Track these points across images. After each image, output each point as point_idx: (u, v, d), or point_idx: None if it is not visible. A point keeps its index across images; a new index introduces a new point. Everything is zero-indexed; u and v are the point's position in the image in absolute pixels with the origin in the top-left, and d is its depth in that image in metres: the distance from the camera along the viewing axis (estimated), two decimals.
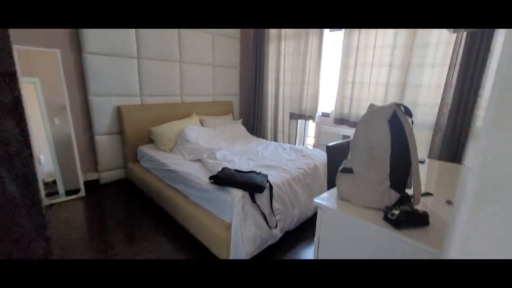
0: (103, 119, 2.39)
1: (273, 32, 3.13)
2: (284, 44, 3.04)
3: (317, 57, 2.75)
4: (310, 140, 3.34)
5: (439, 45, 1.96)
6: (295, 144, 3.20)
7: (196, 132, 2.53)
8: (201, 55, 2.97)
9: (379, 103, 2.36)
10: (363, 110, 2.45)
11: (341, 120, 2.65)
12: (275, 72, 3.21)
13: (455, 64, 1.87)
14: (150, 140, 2.60)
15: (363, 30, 2.35)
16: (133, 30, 2.41)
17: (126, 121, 2.45)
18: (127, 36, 2.38)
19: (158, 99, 2.72)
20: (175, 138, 2.49)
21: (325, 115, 2.95)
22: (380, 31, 2.25)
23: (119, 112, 2.45)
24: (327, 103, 2.99)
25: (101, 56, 2.27)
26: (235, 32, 3.25)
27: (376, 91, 2.36)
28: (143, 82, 2.58)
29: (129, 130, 2.49)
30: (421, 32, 2.04)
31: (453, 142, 1.92)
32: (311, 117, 2.93)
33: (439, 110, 2.00)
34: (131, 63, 2.46)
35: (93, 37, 2.20)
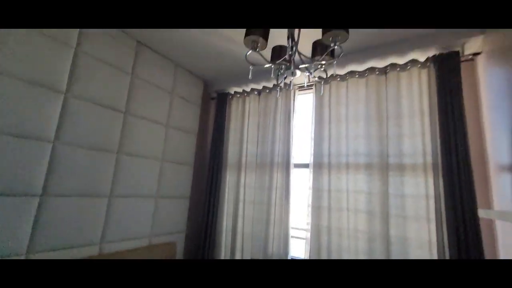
0: None
1: (231, 161, 2.86)
2: (244, 176, 2.75)
3: (285, 192, 2.47)
4: None
5: (418, 198, 1.91)
6: None
7: None
8: (141, 187, 2.33)
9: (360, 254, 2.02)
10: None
11: None
12: (233, 203, 2.75)
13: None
14: None
15: (333, 172, 2.26)
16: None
17: None
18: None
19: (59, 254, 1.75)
20: None
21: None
22: (351, 175, 2.18)
23: None
24: (298, 248, 2.53)
25: None
26: (189, 163, 2.85)
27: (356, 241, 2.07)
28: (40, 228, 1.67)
29: None
30: (393, 180, 2.01)
31: None
32: None
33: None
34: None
35: None
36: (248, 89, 2.92)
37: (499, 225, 1.63)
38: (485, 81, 1.78)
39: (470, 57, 1.94)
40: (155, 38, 2.27)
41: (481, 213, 1.04)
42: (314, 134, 2.42)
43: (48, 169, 1.70)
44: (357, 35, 2.02)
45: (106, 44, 2.07)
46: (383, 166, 2.06)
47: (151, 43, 2.35)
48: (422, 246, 1.84)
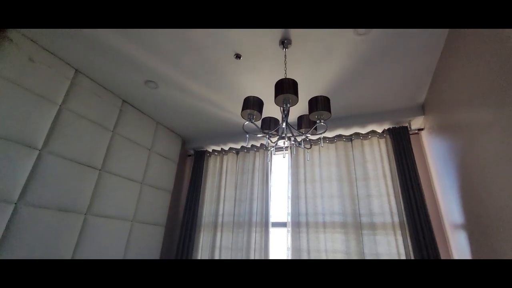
0: None
1: (206, 220, 2.76)
2: (220, 236, 2.64)
3: (264, 253, 2.40)
4: None
5: (391, 257, 2.02)
6: None
7: None
8: (107, 249, 2.09)
9: None
10: None
11: None
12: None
13: None
14: None
15: (311, 231, 2.32)
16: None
17: None
18: None
19: None
20: None
21: None
22: (329, 234, 2.26)
23: None
24: None
25: None
26: (161, 223, 2.68)
27: None
28: None
29: None
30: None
31: None
32: None
33: None
34: None
35: None
36: (226, 147, 3.04)
37: None
38: (430, 150, 2.16)
39: (416, 131, 2.38)
40: (139, 97, 2.36)
41: None
42: (291, 193, 2.54)
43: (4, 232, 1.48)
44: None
45: (92, 102, 2.09)
46: (357, 225, 2.19)
47: (135, 101, 2.43)
48: None
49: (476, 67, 1.26)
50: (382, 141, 2.42)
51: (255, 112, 1.37)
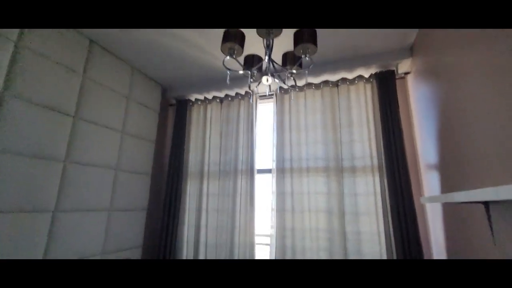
0: None
1: (193, 169, 2.79)
2: (207, 184, 2.70)
3: (250, 198, 2.51)
4: None
5: (368, 195, 2.16)
6: None
7: None
8: (91, 200, 2.10)
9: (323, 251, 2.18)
10: None
11: None
12: (195, 212, 2.66)
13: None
14: None
15: (295, 176, 2.40)
16: None
17: None
18: None
19: None
20: None
21: None
22: (312, 177, 2.35)
23: None
24: (263, 255, 2.57)
25: None
26: (146, 172, 2.66)
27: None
28: None
29: None
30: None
31: None
32: None
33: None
34: None
35: None
36: (210, 96, 2.92)
37: (429, 208, 1.97)
38: (414, 95, 2.16)
39: (403, 75, 2.34)
40: (109, 38, 2.12)
41: (422, 199, 1.26)
42: (276, 140, 2.55)
43: None
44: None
45: (53, 40, 1.86)
46: (339, 169, 2.28)
47: (105, 43, 2.19)
48: (373, 238, 2.08)
49: None
50: (368, 86, 2.38)
51: (236, 46, 1.26)
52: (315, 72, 2.44)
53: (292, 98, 2.56)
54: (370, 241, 2.09)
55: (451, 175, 1.50)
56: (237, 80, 2.70)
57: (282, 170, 2.46)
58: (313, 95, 2.54)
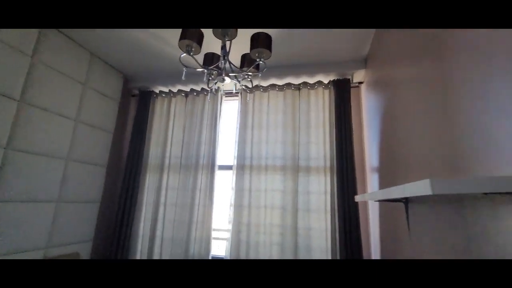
0: None
1: (153, 162, 2.74)
2: (166, 178, 2.68)
3: (209, 193, 2.54)
4: None
5: (319, 194, 2.32)
6: None
7: None
8: (37, 190, 1.97)
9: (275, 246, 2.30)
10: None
11: None
12: (153, 206, 2.63)
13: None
14: None
15: (254, 173, 2.49)
16: None
17: None
18: None
19: None
20: None
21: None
22: (270, 175, 2.46)
23: None
24: (219, 249, 2.62)
25: None
26: (102, 163, 2.56)
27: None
28: None
29: None
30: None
31: None
32: None
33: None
34: None
35: None
36: (175, 89, 2.89)
37: (370, 206, 2.18)
38: (365, 102, 2.36)
39: (357, 84, 2.53)
40: None
41: (357, 198, 1.41)
42: (239, 138, 2.61)
43: None
44: (281, 54, 2.34)
45: None
46: (295, 168, 2.41)
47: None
48: (321, 234, 2.25)
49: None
50: (327, 91, 2.55)
51: (194, 44, 1.29)
52: (279, 74, 2.54)
53: (248, 99, 2.64)
54: (319, 237, 2.25)
55: (386, 175, 1.69)
56: (202, 76, 2.70)
57: (242, 167, 2.53)
58: (276, 96, 2.64)
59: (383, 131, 1.77)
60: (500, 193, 0.57)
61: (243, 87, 2.65)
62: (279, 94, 2.64)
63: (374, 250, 2.09)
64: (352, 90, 2.51)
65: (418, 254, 1.22)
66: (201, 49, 1.50)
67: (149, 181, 2.71)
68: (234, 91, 2.20)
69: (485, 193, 0.56)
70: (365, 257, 2.15)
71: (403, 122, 1.38)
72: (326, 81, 2.55)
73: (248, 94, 2.67)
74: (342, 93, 2.43)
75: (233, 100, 2.89)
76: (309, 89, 2.57)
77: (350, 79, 2.48)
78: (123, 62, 2.61)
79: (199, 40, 1.29)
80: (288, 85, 2.60)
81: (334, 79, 2.50)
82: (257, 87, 2.67)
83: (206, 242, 2.43)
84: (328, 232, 2.23)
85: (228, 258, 2.36)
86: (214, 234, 2.51)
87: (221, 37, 1.22)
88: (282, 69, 2.55)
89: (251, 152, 2.54)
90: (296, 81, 2.59)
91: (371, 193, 1.20)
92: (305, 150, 2.44)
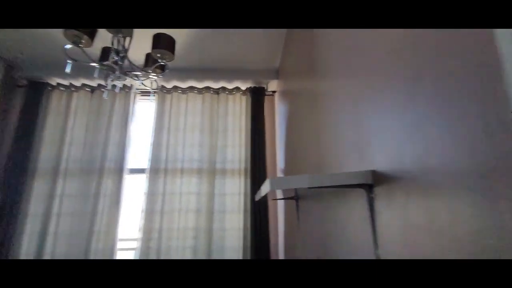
0: None
1: (44, 166, 2.32)
2: (62, 184, 2.31)
3: (116, 199, 2.30)
4: None
5: (235, 195, 2.40)
6: None
7: None
8: None
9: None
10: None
11: None
12: (41, 218, 2.22)
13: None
14: None
15: (169, 177, 2.39)
16: None
17: None
18: None
19: None
20: None
21: None
22: (185, 178, 2.40)
23: None
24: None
25: None
26: None
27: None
28: None
29: None
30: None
31: None
32: None
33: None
34: None
35: None
36: (77, 83, 2.53)
37: (279, 205, 2.39)
38: (278, 110, 2.58)
39: (271, 93, 2.75)
40: None
41: (256, 196, 1.52)
42: (154, 139, 2.47)
43: None
44: (196, 56, 2.34)
45: None
46: (211, 171, 2.43)
47: None
48: (236, 234, 2.32)
49: (306, 46, 1.53)
50: (244, 98, 2.67)
51: (85, 37, 1.17)
52: (198, 76, 2.54)
53: (152, 101, 2.58)
54: (233, 236, 2.32)
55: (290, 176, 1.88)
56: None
57: (156, 170, 2.40)
58: (195, 98, 2.62)
59: (287, 137, 1.97)
60: (332, 187, 0.70)
61: (159, 87, 2.54)
62: (198, 97, 2.63)
63: (280, 244, 2.28)
64: (268, 98, 2.71)
65: (303, 241, 1.40)
66: (104, 43, 1.37)
67: (36, 189, 2.28)
68: (152, 91, 2.09)
69: (310, 188, 0.69)
70: (272, 252, 2.32)
71: (299, 130, 1.57)
72: (244, 88, 2.67)
73: (151, 96, 2.56)
74: (258, 100, 2.59)
75: (146, 99, 2.73)
76: (227, 94, 2.65)
77: (265, 88, 2.67)
78: (4, 45, 2.14)
79: (91, 33, 1.18)
80: (207, 88, 2.62)
81: (251, 86, 2.64)
82: (175, 88, 2.59)
83: (110, 255, 2.20)
84: (241, 232, 2.32)
85: None
86: (120, 244, 2.29)
87: (114, 32, 1.14)
88: (201, 72, 2.55)
89: (166, 155, 2.44)
90: (215, 85, 2.63)
91: (261, 188, 1.31)
92: (222, 153, 2.49)
